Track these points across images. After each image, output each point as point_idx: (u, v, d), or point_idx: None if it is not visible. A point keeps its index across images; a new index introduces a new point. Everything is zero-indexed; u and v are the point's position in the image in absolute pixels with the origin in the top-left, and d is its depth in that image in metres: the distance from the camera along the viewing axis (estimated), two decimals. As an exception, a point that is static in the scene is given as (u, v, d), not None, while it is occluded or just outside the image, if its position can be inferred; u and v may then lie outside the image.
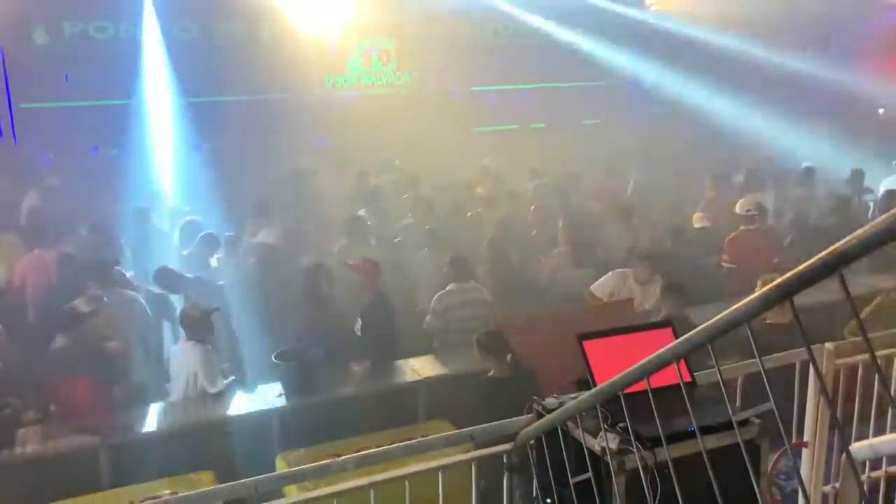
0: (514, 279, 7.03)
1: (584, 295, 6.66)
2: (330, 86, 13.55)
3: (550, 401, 2.65)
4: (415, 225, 8.00)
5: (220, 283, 6.79)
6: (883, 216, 1.23)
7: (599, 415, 2.30)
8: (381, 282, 6.31)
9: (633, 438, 2.20)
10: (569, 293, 6.93)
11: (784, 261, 6.79)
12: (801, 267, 1.39)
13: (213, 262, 7.36)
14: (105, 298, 5.67)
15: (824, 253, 1.34)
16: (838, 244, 1.31)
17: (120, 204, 8.55)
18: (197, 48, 11.84)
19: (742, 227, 7.76)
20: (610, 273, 6.69)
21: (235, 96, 12.21)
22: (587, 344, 2.72)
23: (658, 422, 2.03)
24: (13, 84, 11.02)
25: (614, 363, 2.68)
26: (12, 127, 11.01)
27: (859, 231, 1.28)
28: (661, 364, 2.02)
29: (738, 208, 8.04)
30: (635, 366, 2.07)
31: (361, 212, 8.26)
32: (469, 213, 8.10)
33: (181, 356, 5.53)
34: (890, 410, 3.31)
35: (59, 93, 11.05)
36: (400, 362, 5.88)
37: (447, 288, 6.41)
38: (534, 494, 2.74)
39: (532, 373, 4.96)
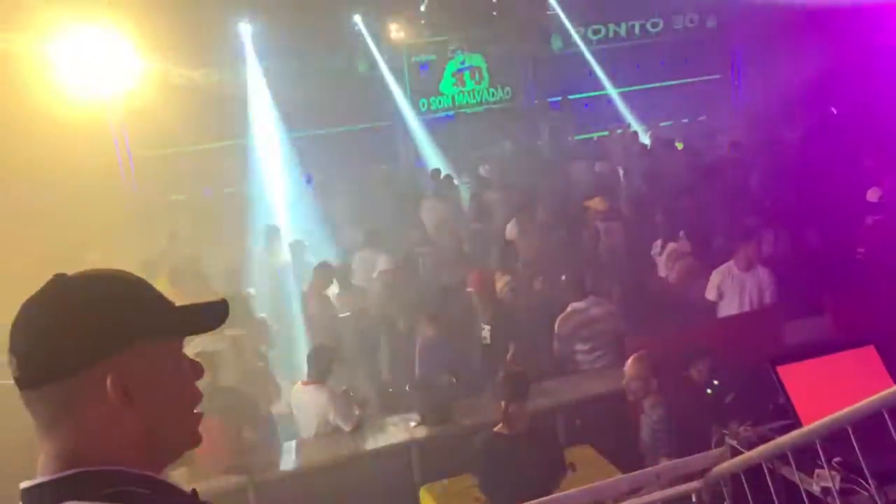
0: (642, 293, 6.75)
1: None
2: (425, 109, 13.64)
3: (746, 435, 2.42)
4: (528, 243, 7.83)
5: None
6: None
7: (820, 451, 2.06)
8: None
9: (868, 476, 1.95)
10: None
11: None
12: None
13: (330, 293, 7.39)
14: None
15: None
16: None
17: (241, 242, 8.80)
18: (297, 83, 12.19)
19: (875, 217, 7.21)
20: (713, 273, 6.37)
21: (337, 127, 12.49)
22: (782, 369, 2.47)
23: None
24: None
25: (817, 391, 2.44)
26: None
27: None
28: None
29: (869, 196, 7.52)
30: (872, 399, 1.83)
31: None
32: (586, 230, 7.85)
33: (307, 400, 5.42)
34: None
35: (173, 138, 11.58)
36: (533, 386, 5.69)
37: (567, 309, 6.19)
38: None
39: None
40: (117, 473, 1.12)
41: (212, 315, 1.24)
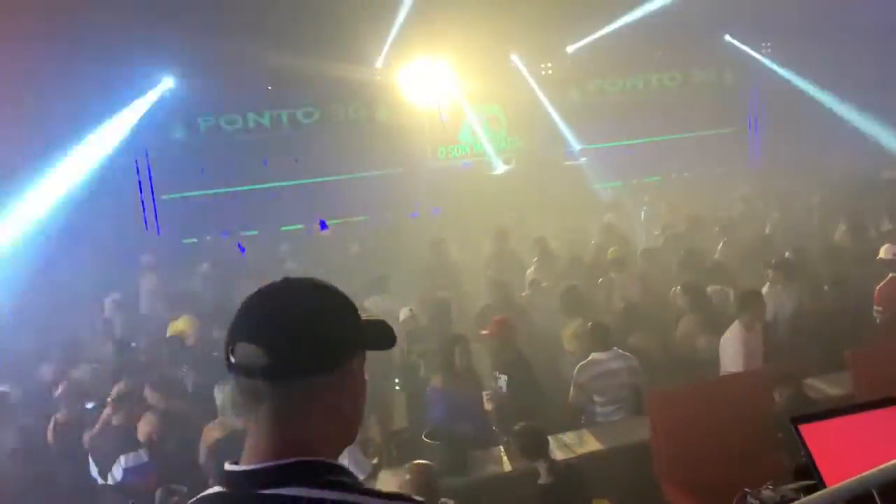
0: (654, 346, 6.72)
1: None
2: (444, 157, 13.83)
3: (768, 494, 2.41)
4: (547, 289, 7.83)
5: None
6: None
7: (845, 514, 2.04)
8: (518, 339, 6.27)
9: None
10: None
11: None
12: None
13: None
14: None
15: None
16: None
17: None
18: (319, 131, 12.46)
19: (891, 275, 7.08)
20: (724, 341, 6.24)
21: (356, 174, 12.68)
22: (804, 428, 2.46)
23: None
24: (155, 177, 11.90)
25: (841, 451, 2.42)
26: (156, 217, 11.79)
27: None
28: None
29: (883, 253, 7.45)
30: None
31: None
32: (601, 279, 7.85)
33: None
34: None
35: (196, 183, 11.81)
36: (550, 437, 5.64)
37: (589, 358, 6.16)
38: None
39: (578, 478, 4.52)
40: (328, 464, 1.23)
41: (390, 335, 1.38)
